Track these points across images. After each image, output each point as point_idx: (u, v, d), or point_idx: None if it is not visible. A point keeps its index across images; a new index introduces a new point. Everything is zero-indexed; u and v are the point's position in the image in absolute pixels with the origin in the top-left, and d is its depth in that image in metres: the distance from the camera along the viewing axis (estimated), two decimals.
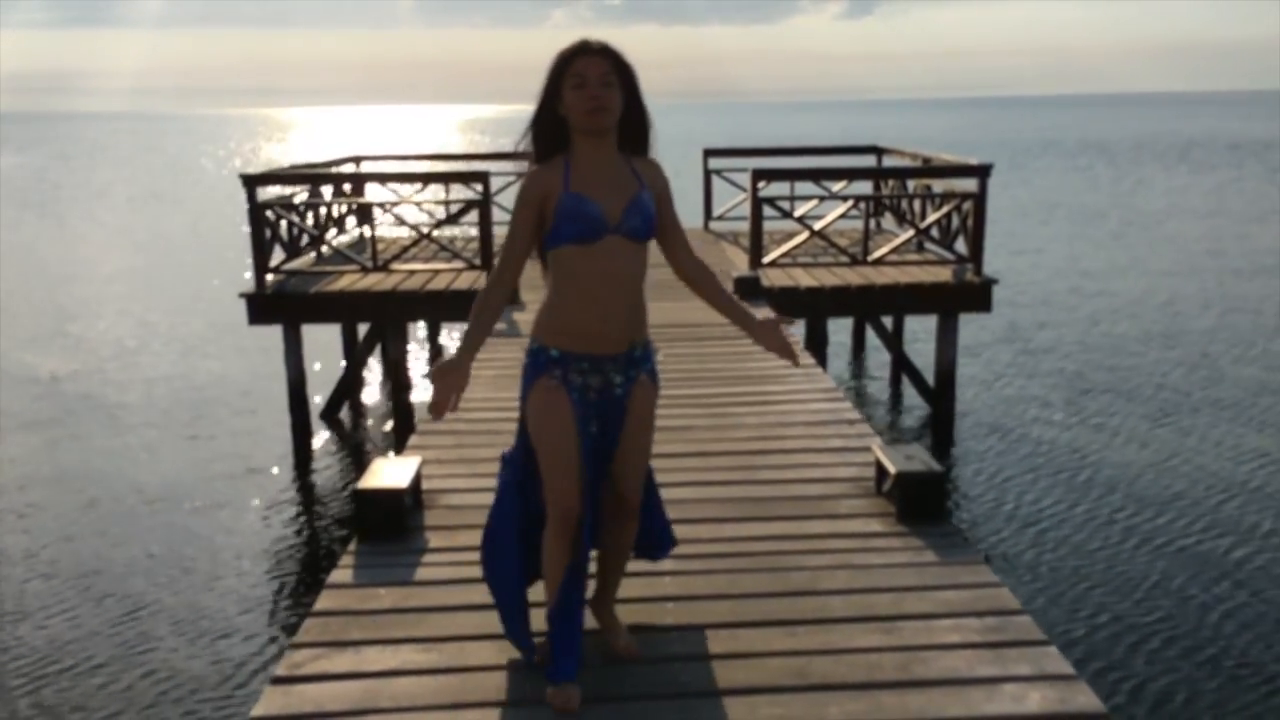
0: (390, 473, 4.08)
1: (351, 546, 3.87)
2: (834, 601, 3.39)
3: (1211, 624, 6.18)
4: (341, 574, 3.63)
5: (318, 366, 11.40)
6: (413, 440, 5.16)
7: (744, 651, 3.10)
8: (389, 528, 3.90)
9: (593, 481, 2.91)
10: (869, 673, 2.96)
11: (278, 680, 2.96)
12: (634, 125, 2.80)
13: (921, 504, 3.97)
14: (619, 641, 3.10)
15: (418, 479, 4.20)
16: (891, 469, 4.06)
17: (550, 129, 2.78)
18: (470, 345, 2.76)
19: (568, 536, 2.82)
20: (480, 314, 2.80)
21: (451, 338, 13.68)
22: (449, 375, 2.72)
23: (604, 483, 2.97)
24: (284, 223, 9.81)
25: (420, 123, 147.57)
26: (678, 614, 3.34)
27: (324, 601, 3.43)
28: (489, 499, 3.17)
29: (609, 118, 2.72)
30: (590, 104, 2.68)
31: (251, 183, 9.32)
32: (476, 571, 3.60)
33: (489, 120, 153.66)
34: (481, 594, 3.45)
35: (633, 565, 3.27)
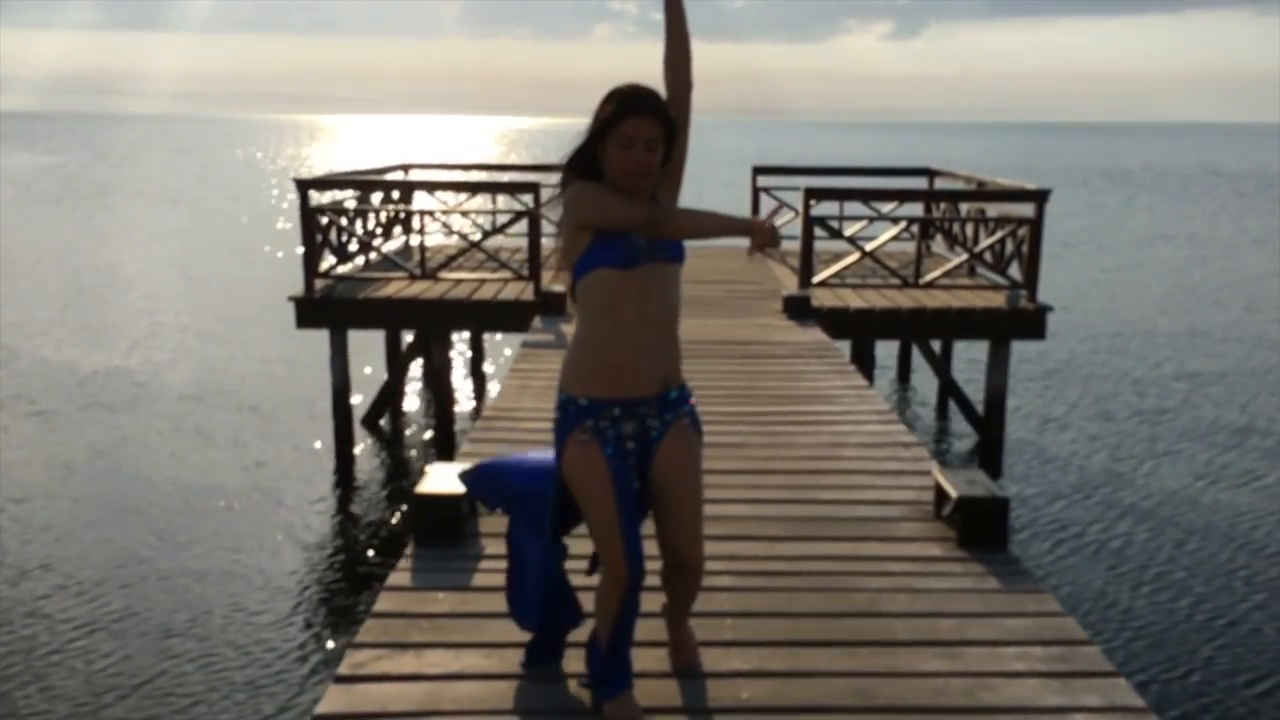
0: (447, 478, 4.07)
1: (408, 550, 3.87)
2: (896, 624, 3.35)
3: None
4: (399, 576, 3.64)
5: (364, 371, 11.48)
6: (465, 448, 5.16)
7: (806, 670, 3.07)
8: (446, 533, 3.91)
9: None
10: (934, 698, 2.92)
11: (340, 679, 2.97)
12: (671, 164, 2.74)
13: (983, 530, 3.92)
14: (683, 653, 3.08)
15: None
16: (953, 493, 4.01)
17: (586, 169, 2.70)
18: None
19: (619, 591, 2.75)
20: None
21: (494, 346, 13.76)
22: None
23: (662, 542, 2.85)
24: (334, 228, 9.89)
25: (462, 133, 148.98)
26: (737, 630, 3.31)
27: (383, 603, 3.44)
28: None
29: (648, 182, 2.67)
30: (633, 166, 2.62)
31: (305, 186, 9.42)
32: None
33: (530, 132, 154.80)
34: None
35: None
